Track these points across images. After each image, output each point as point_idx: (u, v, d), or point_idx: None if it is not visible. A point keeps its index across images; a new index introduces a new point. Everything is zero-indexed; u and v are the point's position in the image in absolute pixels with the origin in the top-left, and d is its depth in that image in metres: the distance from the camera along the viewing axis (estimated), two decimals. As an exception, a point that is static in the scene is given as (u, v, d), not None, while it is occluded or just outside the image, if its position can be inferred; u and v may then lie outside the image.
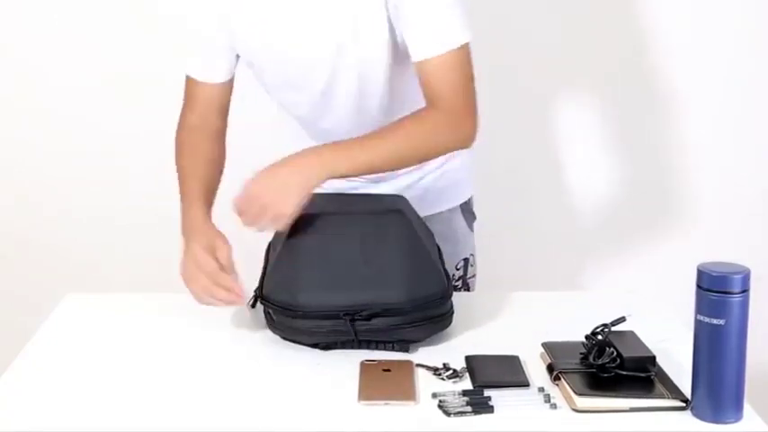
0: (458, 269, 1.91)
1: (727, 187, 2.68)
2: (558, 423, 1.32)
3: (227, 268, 1.59)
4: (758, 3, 2.59)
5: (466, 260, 1.93)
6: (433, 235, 1.67)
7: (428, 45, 1.60)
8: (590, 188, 2.70)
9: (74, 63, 2.60)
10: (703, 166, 2.67)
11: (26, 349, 1.55)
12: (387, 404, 1.36)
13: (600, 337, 1.43)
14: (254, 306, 1.61)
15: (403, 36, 1.63)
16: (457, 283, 1.91)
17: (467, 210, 1.95)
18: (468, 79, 1.63)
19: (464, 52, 1.61)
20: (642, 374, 1.38)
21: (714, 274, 1.27)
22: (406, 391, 1.39)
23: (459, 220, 1.92)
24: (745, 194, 2.68)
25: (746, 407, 1.32)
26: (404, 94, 1.72)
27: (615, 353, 1.39)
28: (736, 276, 1.27)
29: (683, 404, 1.34)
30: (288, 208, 1.52)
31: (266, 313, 1.57)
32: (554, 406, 1.35)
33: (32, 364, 1.51)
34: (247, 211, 1.54)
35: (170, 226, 2.65)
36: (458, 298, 1.58)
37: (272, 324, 1.55)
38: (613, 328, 1.43)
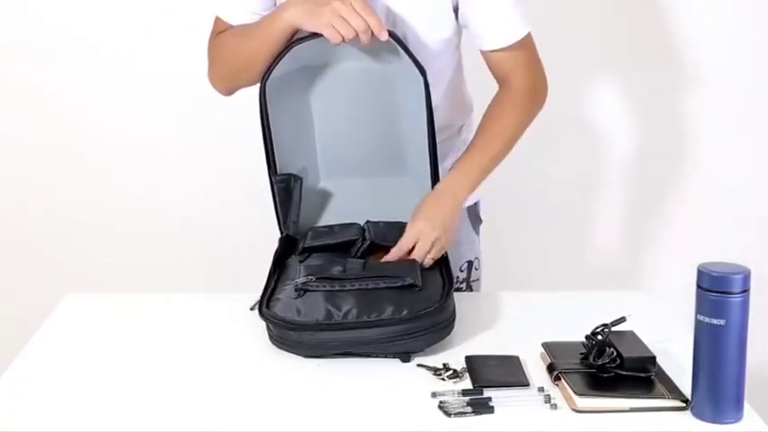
0: (461, 271, 1.91)
1: (728, 187, 2.68)
2: (558, 423, 1.32)
3: None
4: None
5: (470, 263, 1.92)
6: None
7: (500, 36, 1.73)
8: (591, 189, 2.70)
9: (76, 63, 2.60)
10: (703, 167, 2.67)
11: (26, 349, 1.55)
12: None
13: (600, 337, 1.43)
14: (253, 309, 1.62)
15: (469, 27, 1.75)
16: (461, 286, 1.91)
17: (473, 213, 1.95)
18: (536, 59, 1.80)
19: (528, 40, 1.77)
20: (642, 375, 1.38)
21: (714, 274, 1.27)
22: None
23: (464, 222, 1.92)
24: (746, 194, 2.68)
25: (746, 407, 1.32)
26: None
27: (615, 353, 1.39)
28: (736, 276, 1.27)
29: (683, 404, 1.34)
30: (453, 239, 1.70)
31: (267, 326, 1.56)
32: (554, 406, 1.35)
33: (32, 364, 1.51)
34: (419, 249, 1.64)
35: (170, 226, 2.66)
36: (458, 298, 1.58)
37: (271, 336, 1.54)
38: (613, 328, 1.43)
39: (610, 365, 1.39)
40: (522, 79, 1.77)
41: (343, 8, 1.57)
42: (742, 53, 2.61)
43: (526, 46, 1.76)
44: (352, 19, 1.57)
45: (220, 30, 1.78)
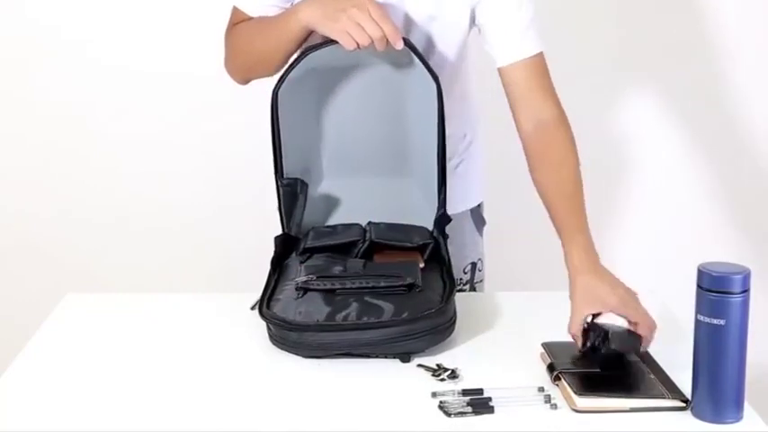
0: (465, 273, 1.91)
1: (728, 187, 2.68)
2: (558, 423, 1.32)
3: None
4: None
5: (473, 264, 1.92)
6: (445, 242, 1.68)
7: (518, 49, 1.66)
8: (592, 190, 2.70)
9: (77, 63, 2.60)
10: (703, 167, 2.67)
11: (26, 349, 1.55)
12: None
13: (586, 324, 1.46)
14: (253, 309, 1.62)
15: (487, 40, 1.69)
16: (464, 287, 1.90)
17: (476, 214, 1.94)
18: (550, 80, 1.71)
19: (543, 59, 1.69)
20: (630, 359, 1.42)
21: (714, 274, 1.28)
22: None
23: (468, 224, 1.91)
24: (747, 194, 2.68)
25: (746, 407, 1.33)
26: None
27: (602, 334, 1.42)
28: (736, 276, 1.27)
29: (683, 404, 1.34)
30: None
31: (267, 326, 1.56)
32: (554, 406, 1.35)
33: (32, 364, 1.50)
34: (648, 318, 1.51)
35: (170, 226, 2.66)
36: (459, 298, 1.58)
37: (271, 336, 1.54)
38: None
39: (598, 343, 1.42)
40: (548, 100, 1.69)
41: (359, 15, 1.53)
42: (741, 52, 2.61)
43: (543, 64, 1.69)
44: (368, 26, 1.53)
45: (237, 20, 1.74)
